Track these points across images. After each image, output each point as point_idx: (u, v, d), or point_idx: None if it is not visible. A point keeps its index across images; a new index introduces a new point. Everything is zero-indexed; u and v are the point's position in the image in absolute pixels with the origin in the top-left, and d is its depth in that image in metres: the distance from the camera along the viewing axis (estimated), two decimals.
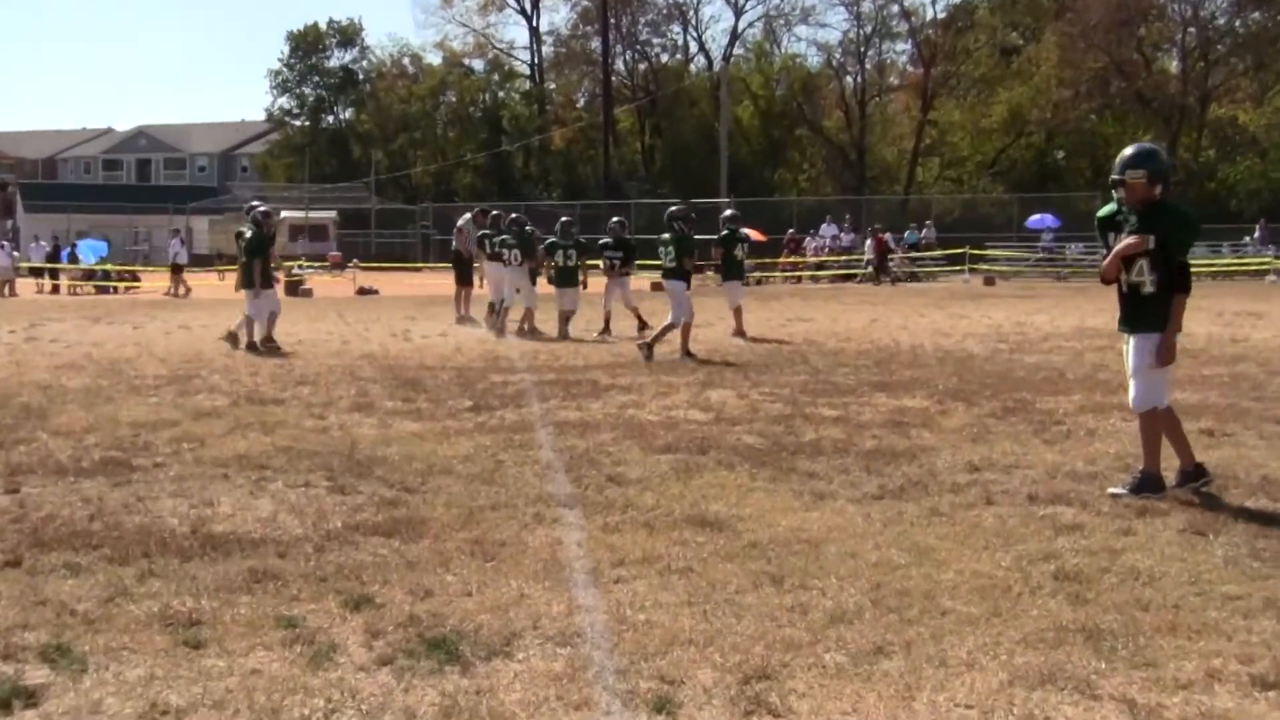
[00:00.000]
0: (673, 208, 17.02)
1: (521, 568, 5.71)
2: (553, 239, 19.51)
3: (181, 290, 35.53)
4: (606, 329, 19.13)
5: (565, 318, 18.86)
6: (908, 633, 4.79)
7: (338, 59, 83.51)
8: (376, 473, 7.90)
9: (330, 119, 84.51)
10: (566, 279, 19.13)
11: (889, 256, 40.74)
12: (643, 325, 19.06)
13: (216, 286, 38.54)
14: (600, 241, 20.15)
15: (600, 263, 19.93)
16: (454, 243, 22.97)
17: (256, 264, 17.00)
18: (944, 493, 7.23)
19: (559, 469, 8.04)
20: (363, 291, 34.84)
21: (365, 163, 74.08)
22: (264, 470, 7.98)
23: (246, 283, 17.06)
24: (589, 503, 7.02)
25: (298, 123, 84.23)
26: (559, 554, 5.95)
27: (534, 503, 7.02)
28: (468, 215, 22.85)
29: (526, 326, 19.07)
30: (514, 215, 20.29)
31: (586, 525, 6.50)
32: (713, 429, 9.59)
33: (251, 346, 16.51)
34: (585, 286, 19.82)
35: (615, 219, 20.57)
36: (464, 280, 22.14)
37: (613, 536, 6.26)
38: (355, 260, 44.73)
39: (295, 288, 34.61)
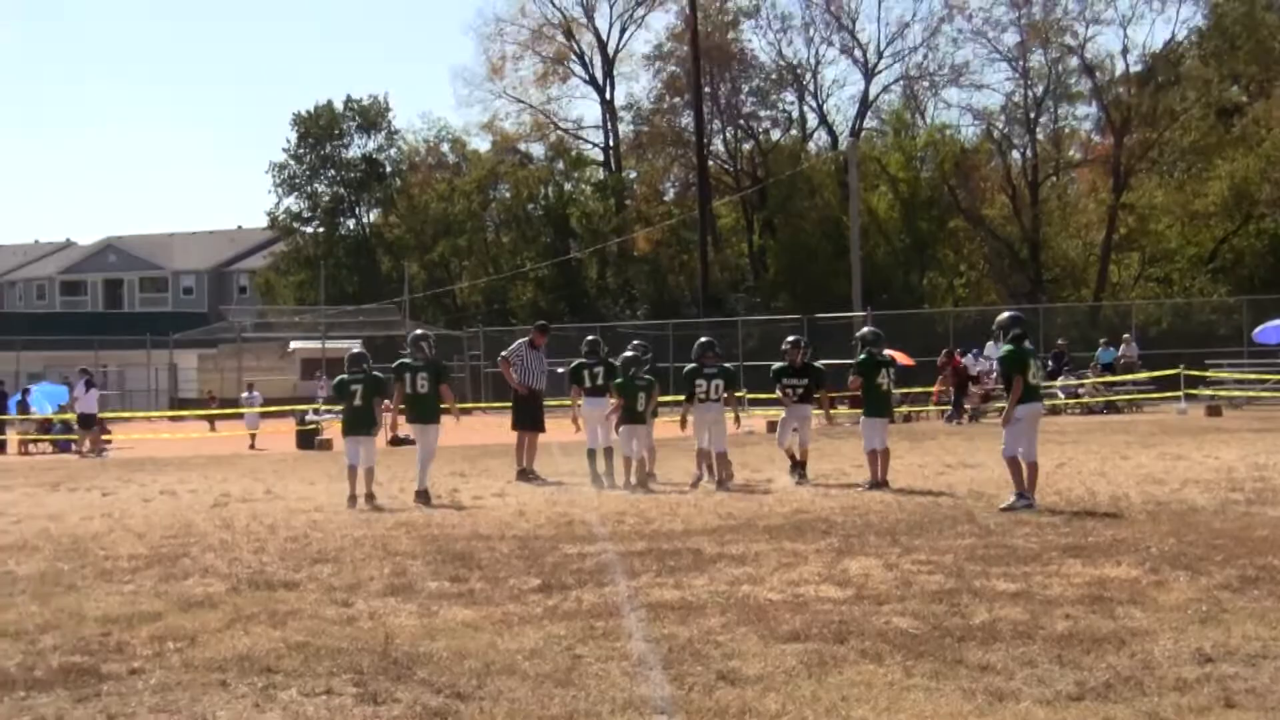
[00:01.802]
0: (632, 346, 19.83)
1: None
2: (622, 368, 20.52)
3: (86, 448, 36.11)
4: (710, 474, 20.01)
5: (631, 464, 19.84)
6: None
7: (359, 147, 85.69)
8: (419, 674, 7.91)
9: (350, 223, 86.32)
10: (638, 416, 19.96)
11: (969, 386, 40.56)
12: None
13: (208, 438, 39.19)
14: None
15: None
16: (507, 378, 23.18)
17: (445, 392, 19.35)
18: (1166, 691, 7.09)
19: (654, 665, 8.00)
20: (397, 441, 35.03)
21: (397, 278, 75.32)
22: (272, 675, 8.02)
23: (431, 417, 19.03)
24: (695, 709, 6.97)
25: (309, 229, 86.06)
26: None
27: (623, 710, 6.99)
28: (521, 340, 23.15)
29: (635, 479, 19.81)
30: (590, 338, 20.83)
31: None
32: (854, 609, 9.51)
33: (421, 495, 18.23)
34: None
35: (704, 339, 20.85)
36: (523, 423, 22.25)
37: None
38: (386, 402, 45.14)
39: (309, 438, 35.05)
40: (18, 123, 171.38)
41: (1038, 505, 15.45)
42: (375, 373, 19.52)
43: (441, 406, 19.44)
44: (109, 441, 40.46)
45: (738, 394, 20.42)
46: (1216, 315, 57.26)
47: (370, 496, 18.23)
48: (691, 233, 71.21)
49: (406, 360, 19.47)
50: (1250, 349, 46.20)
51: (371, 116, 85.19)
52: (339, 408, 20.61)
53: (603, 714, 6.92)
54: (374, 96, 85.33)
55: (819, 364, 21.47)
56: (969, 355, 42.87)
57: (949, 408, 39.69)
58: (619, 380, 20.19)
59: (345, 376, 19.13)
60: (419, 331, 20.37)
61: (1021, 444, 15.92)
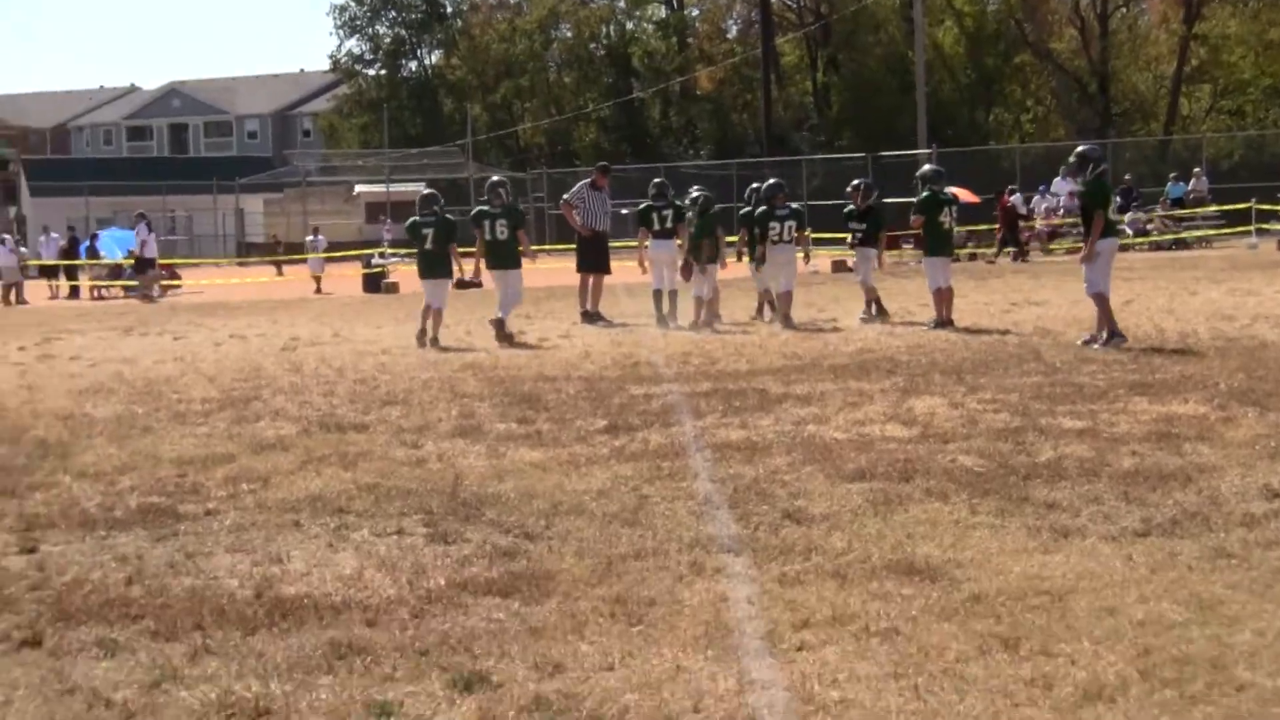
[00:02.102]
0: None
1: (676, 633, 5.73)
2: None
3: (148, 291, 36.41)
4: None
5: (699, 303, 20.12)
6: (1191, 715, 4.70)
7: None
8: (487, 515, 8.00)
9: (413, 65, 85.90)
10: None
11: (1019, 225, 40.26)
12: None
13: (275, 283, 39.45)
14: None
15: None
16: (566, 218, 23.25)
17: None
18: (1233, 527, 7.08)
19: (720, 504, 8.05)
20: (461, 285, 35.08)
21: (459, 120, 75.09)
22: (344, 515, 8.14)
23: (512, 262, 19.29)
24: (761, 547, 7.02)
25: (371, 72, 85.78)
26: (724, 615, 5.96)
27: (690, 549, 7.04)
28: (583, 182, 23.10)
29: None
30: (657, 180, 20.87)
31: (759, 576, 6.51)
32: (919, 448, 9.53)
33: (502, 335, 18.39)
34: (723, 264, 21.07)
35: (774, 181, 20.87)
36: (588, 265, 22.22)
37: (793, 590, 6.25)
38: (453, 245, 45.17)
39: (376, 282, 35.20)
40: None
41: (1124, 335, 15.44)
42: (447, 214, 19.71)
43: (520, 250, 19.61)
44: (177, 286, 40.82)
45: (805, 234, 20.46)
46: None
47: (435, 340, 18.44)
48: (754, 71, 70.48)
49: (484, 207, 19.61)
50: None
51: None
52: (405, 251, 20.76)
53: (670, 552, 6.97)
54: None
55: (883, 204, 21.46)
56: (1022, 194, 42.54)
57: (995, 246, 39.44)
58: (694, 222, 20.11)
59: (417, 219, 19.33)
60: (496, 178, 20.38)
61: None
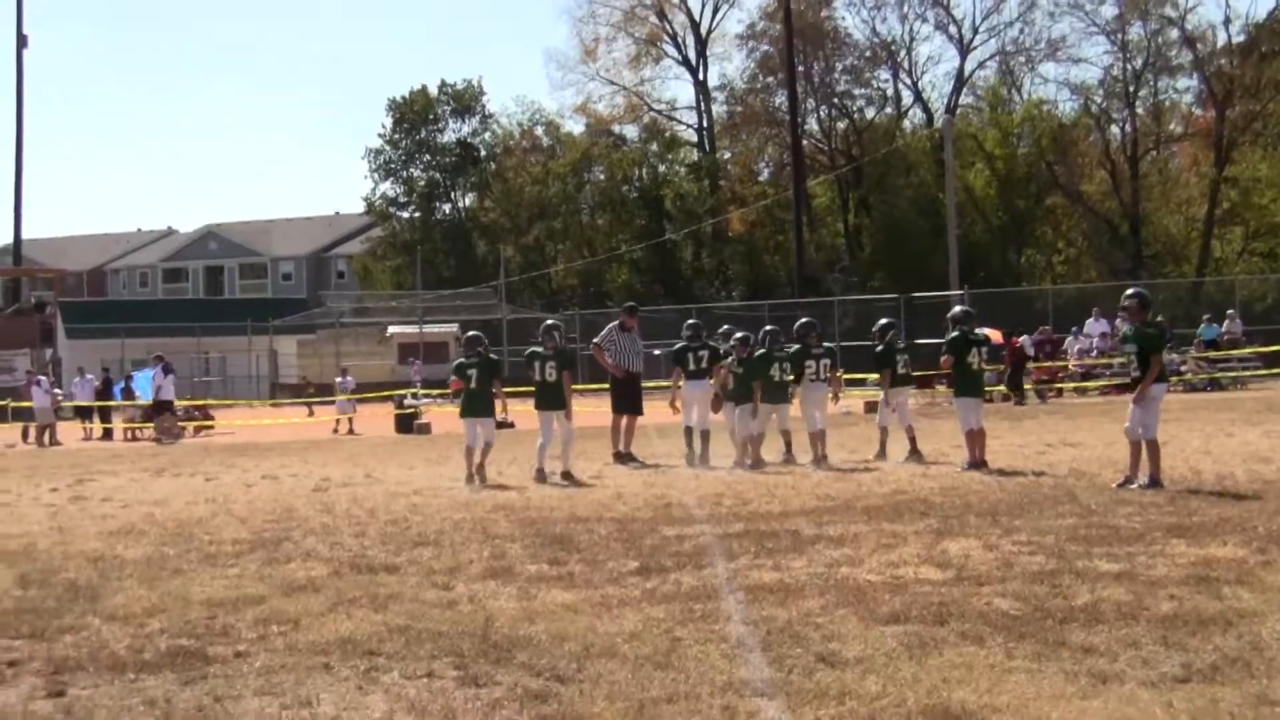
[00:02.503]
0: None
1: None
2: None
3: (163, 433, 36.53)
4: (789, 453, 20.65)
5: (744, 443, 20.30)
6: None
7: (453, 132, 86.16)
8: (519, 657, 7.96)
9: (446, 208, 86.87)
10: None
11: (1027, 367, 40.21)
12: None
13: (308, 424, 39.62)
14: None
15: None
16: (597, 360, 23.52)
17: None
18: (1275, 673, 7.03)
19: (753, 648, 8.00)
20: (498, 425, 35.28)
21: (493, 262, 75.79)
22: (375, 658, 8.10)
23: (557, 403, 19.73)
24: (795, 691, 6.97)
25: (405, 214, 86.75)
26: None
27: (723, 692, 6.99)
28: (612, 325, 23.31)
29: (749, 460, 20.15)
30: (691, 321, 21.63)
31: None
32: (953, 591, 9.47)
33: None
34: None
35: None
36: (621, 406, 22.33)
37: None
38: (495, 384, 45.36)
39: (409, 423, 35.33)
40: (122, 111, 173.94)
41: (1164, 483, 15.33)
42: (491, 355, 20.45)
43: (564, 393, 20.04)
44: (210, 427, 40.96)
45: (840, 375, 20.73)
46: None
47: (483, 476, 19.02)
48: (786, 213, 71.07)
49: (538, 349, 20.08)
50: None
51: (466, 100, 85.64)
52: (438, 392, 21.25)
53: (702, 696, 6.92)
54: (468, 81, 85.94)
55: (900, 344, 21.84)
56: (1056, 335, 42.57)
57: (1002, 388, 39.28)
58: (760, 353, 20.49)
59: (463, 360, 19.93)
60: (550, 321, 20.83)
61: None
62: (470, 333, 20.87)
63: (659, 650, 8.01)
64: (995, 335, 34.39)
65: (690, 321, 22.02)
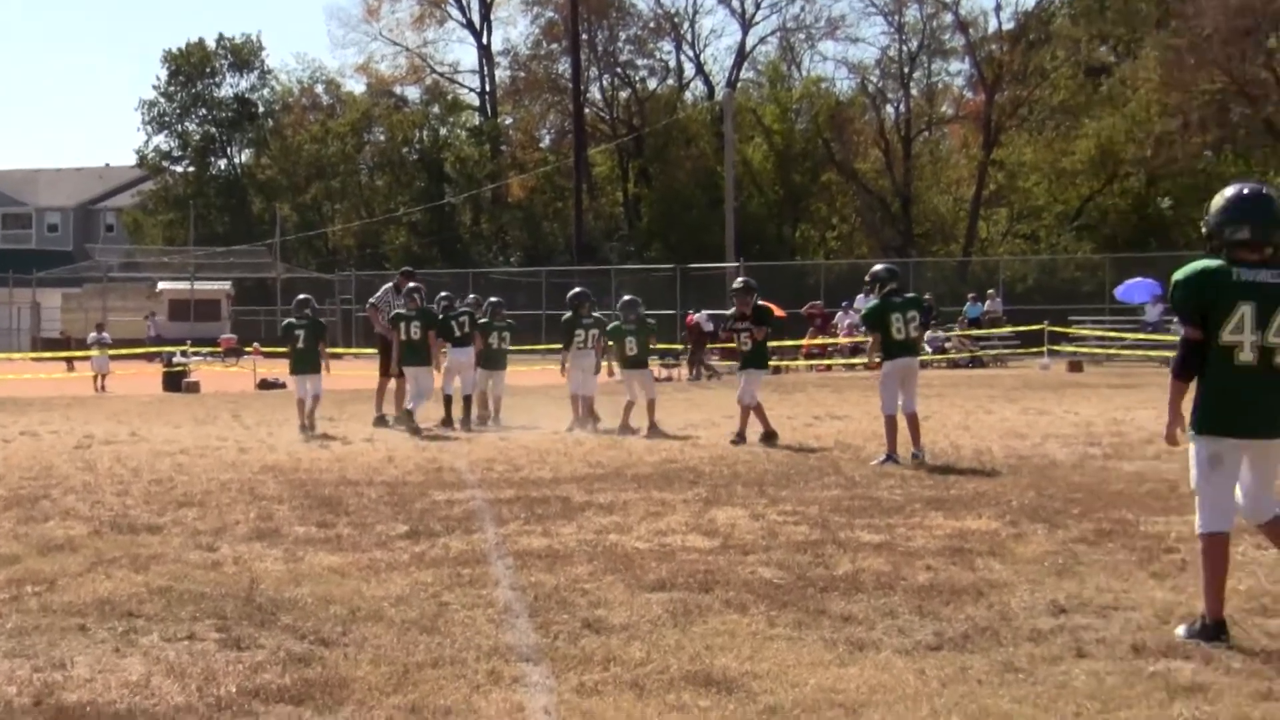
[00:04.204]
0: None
1: None
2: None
3: None
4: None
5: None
6: None
7: (231, 86, 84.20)
8: (283, 620, 7.87)
9: (222, 163, 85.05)
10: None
11: (706, 344, 39.64)
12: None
13: (69, 379, 38.55)
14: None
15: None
16: (372, 323, 23.56)
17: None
18: (1021, 642, 7.22)
19: (520, 613, 8.01)
20: (265, 385, 34.86)
21: (268, 220, 74.47)
22: (134, 619, 7.93)
23: (424, 360, 21.09)
24: (560, 656, 6.99)
25: (179, 168, 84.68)
26: None
27: (488, 657, 6.99)
28: (387, 285, 23.31)
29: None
30: (444, 294, 22.51)
31: (557, 686, 6.48)
32: (719, 559, 9.58)
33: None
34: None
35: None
36: (389, 369, 22.28)
37: (590, 700, 6.23)
38: (255, 345, 44.84)
39: (177, 381, 34.61)
40: None
41: (923, 455, 15.63)
42: (318, 318, 22.19)
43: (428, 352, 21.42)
44: None
45: (609, 343, 20.79)
46: (1080, 272, 58.30)
47: (313, 425, 20.59)
48: (566, 180, 71.13)
49: (402, 310, 21.49)
50: (1112, 306, 47.09)
51: (244, 56, 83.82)
52: (207, 350, 21.62)
53: (468, 660, 6.91)
54: (247, 35, 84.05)
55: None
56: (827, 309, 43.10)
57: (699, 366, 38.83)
58: (611, 326, 20.85)
59: (292, 321, 21.66)
60: (413, 284, 22.03)
61: (900, 398, 16.06)
62: (300, 296, 22.43)
63: (425, 614, 7.98)
64: (773, 309, 34.72)
65: (443, 294, 22.72)
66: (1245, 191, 7.29)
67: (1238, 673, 6.59)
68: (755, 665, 6.78)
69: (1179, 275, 7.30)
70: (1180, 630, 7.27)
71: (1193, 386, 7.34)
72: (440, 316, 21.70)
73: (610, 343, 20.71)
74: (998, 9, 78.16)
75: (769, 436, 18.22)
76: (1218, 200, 7.30)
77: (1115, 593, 8.37)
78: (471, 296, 24.12)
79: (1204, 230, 7.36)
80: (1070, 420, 21.24)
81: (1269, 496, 7.40)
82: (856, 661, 6.86)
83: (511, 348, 22.97)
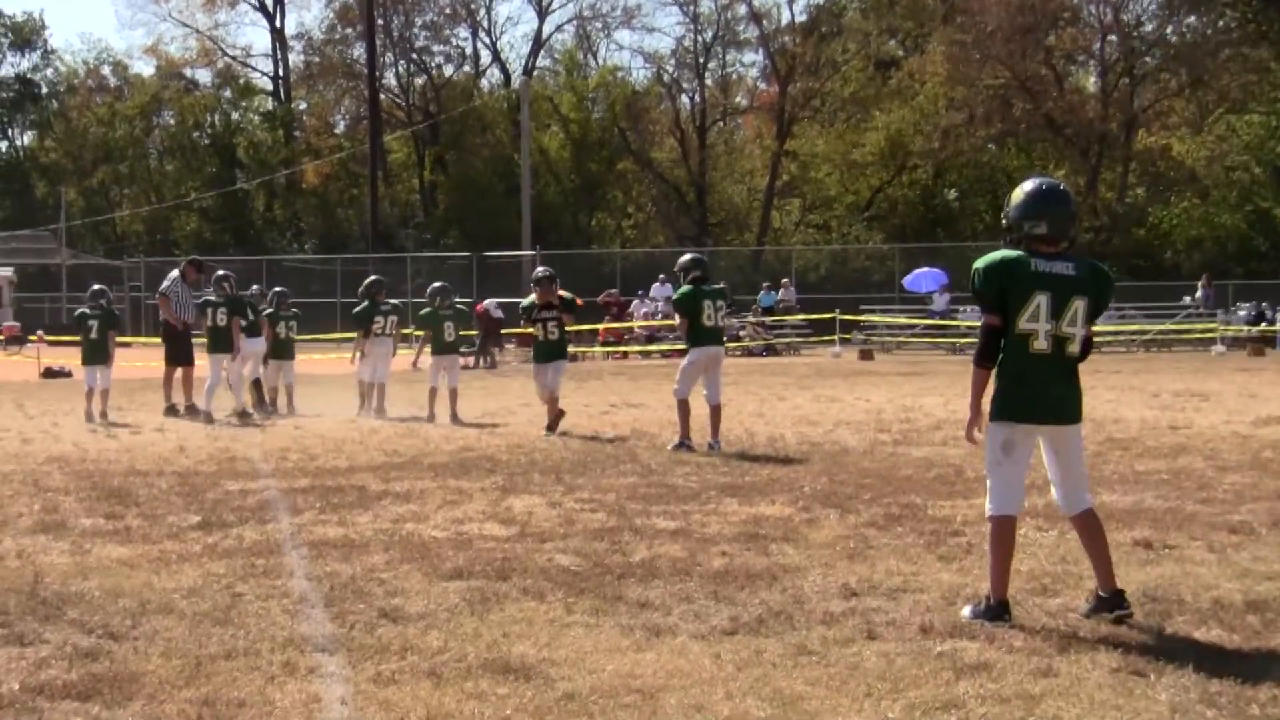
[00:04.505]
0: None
1: None
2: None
3: None
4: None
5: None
6: None
7: (11, 66, 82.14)
8: (69, 614, 7.68)
9: (3, 145, 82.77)
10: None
11: (498, 332, 39.73)
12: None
13: None
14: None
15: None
16: (161, 311, 23.21)
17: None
18: (814, 625, 7.32)
19: (316, 603, 7.93)
20: (50, 373, 34.00)
21: (53, 204, 72.64)
22: None
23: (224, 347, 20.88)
24: (356, 646, 6.94)
25: None
26: (316, 716, 5.88)
27: (283, 648, 6.90)
28: (174, 273, 22.98)
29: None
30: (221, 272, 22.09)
31: (353, 676, 6.42)
32: (516, 547, 9.58)
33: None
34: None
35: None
36: (175, 358, 21.99)
37: (388, 690, 6.19)
38: (40, 333, 43.80)
39: None
40: None
41: (719, 447, 15.60)
42: (112, 308, 22.31)
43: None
44: None
45: (405, 331, 20.82)
46: (871, 262, 59.39)
47: (104, 415, 20.54)
48: (361, 167, 70.47)
49: (211, 297, 21.41)
50: (901, 295, 48.09)
51: (26, 34, 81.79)
52: None
53: (262, 652, 6.82)
54: (28, 13, 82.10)
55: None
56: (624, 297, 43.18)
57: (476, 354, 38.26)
58: (425, 312, 20.62)
59: (85, 310, 21.66)
60: (222, 272, 22.00)
61: (701, 387, 16.15)
62: (95, 286, 22.41)
63: (219, 606, 7.86)
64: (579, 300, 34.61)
65: (219, 272, 22.37)
66: (1044, 188, 7.51)
67: (1019, 651, 6.77)
68: (553, 652, 6.80)
69: (980, 264, 7.47)
70: (966, 611, 7.44)
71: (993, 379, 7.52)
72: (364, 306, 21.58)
73: (419, 331, 20.70)
74: (790, 2, 79.18)
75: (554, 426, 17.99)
76: (1017, 195, 7.50)
77: (904, 575, 8.54)
78: (255, 287, 24.24)
79: (1004, 223, 7.56)
80: (861, 407, 21.59)
81: (1079, 488, 7.60)
82: (653, 647, 6.91)
83: (303, 337, 22.83)
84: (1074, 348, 7.42)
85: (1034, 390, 7.41)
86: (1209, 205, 57.33)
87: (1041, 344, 7.33)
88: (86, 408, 20.61)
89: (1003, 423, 7.44)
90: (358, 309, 21.55)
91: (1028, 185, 7.56)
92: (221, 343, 20.88)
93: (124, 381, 22.49)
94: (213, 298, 21.31)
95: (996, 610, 7.31)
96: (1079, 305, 7.36)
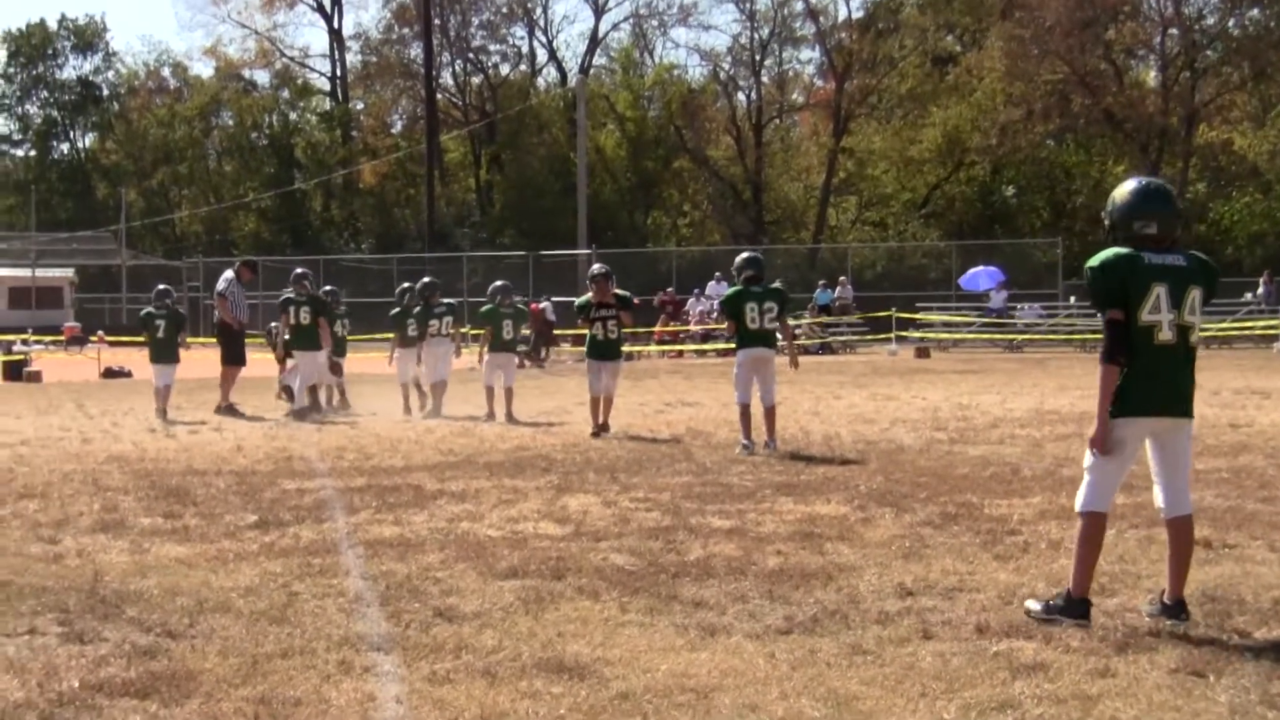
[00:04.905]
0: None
1: None
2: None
3: None
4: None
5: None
6: None
7: (74, 69, 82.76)
8: (128, 613, 7.73)
9: (65, 148, 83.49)
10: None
11: (551, 332, 39.74)
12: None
13: None
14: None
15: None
16: (217, 311, 23.32)
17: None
18: (869, 625, 7.29)
19: (371, 602, 7.96)
20: (110, 374, 34.26)
21: (113, 205, 73.16)
22: None
23: (313, 344, 21.02)
24: (411, 645, 6.95)
25: (20, 152, 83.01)
26: (371, 715, 5.89)
27: (339, 647, 6.93)
28: (229, 273, 23.05)
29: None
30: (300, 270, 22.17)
31: (408, 675, 6.44)
32: (571, 546, 9.58)
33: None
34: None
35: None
36: (231, 359, 22.12)
37: (442, 689, 6.20)
38: (100, 333, 44.10)
39: (17, 370, 33.91)
40: None
41: (775, 446, 15.38)
42: (178, 308, 22.70)
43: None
44: None
45: (463, 330, 20.91)
46: (928, 259, 59.12)
47: (164, 412, 20.75)
48: (418, 166, 70.70)
49: (290, 294, 21.36)
50: (958, 293, 47.81)
51: (88, 37, 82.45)
52: (50, 339, 21.50)
53: (318, 651, 6.85)
54: (90, 16, 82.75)
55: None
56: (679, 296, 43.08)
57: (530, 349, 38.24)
58: (486, 309, 20.69)
59: (151, 310, 22.09)
60: (300, 270, 22.14)
61: (757, 389, 15.95)
62: (160, 286, 22.78)
63: (275, 605, 7.89)
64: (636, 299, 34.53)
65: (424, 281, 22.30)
66: (1152, 188, 7.51)
67: (1076, 651, 6.72)
68: (607, 651, 6.80)
69: (1095, 261, 7.42)
70: (1035, 606, 7.39)
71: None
72: (281, 299, 21.73)
73: (476, 330, 20.75)
74: None
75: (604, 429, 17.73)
76: (1122, 195, 7.47)
77: (960, 575, 8.50)
78: (328, 288, 24.18)
79: (1106, 223, 7.54)
80: (917, 405, 21.51)
81: (1185, 490, 7.52)
82: (707, 646, 6.90)
83: (360, 336, 22.95)
84: (1195, 336, 7.41)
85: (1162, 383, 7.34)
86: (1271, 200, 56.82)
87: (1167, 334, 7.28)
88: (158, 405, 20.91)
89: (1124, 419, 7.36)
90: (395, 311, 21.94)
91: (1133, 185, 7.54)
92: (308, 340, 21.00)
93: (181, 381, 22.60)
94: (294, 296, 21.37)
95: (1079, 607, 7.25)
96: (1195, 294, 7.35)
